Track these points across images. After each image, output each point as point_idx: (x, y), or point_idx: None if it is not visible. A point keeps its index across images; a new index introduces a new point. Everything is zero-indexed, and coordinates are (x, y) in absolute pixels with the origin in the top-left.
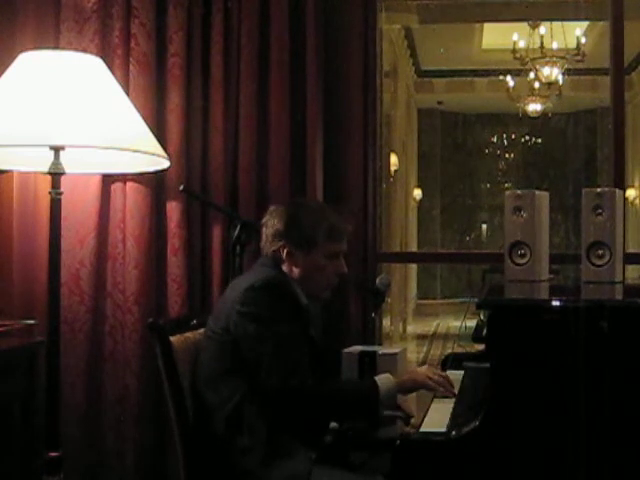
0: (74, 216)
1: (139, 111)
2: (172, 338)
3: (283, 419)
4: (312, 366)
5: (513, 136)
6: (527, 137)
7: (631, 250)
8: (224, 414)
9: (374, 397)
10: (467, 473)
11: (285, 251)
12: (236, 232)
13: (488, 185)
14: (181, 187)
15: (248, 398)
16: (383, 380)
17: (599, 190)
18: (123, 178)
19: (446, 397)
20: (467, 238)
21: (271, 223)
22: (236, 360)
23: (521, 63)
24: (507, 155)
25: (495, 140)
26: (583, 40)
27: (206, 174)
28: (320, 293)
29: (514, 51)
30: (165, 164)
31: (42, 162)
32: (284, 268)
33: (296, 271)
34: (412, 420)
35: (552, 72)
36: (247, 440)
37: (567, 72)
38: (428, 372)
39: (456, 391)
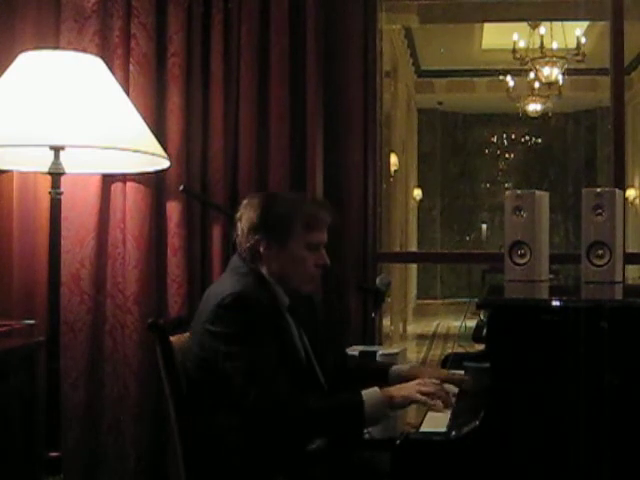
0: (74, 216)
1: (139, 111)
2: (172, 338)
3: (262, 437)
4: (298, 375)
5: (513, 136)
6: (527, 137)
7: (631, 250)
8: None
9: (358, 415)
10: (467, 473)
11: (262, 245)
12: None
13: (488, 185)
14: (181, 187)
15: (223, 414)
16: (370, 395)
17: (599, 190)
18: (123, 178)
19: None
20: (467, 238)
21: (246, 216)
22: (209, 377)
23: (521, 63)
24: (507, 155)
25: (495, 140)
26: (583, 40)
27: (206, 174)
28: (302, 287)
29: (514, 51)
30: (165, 164)
31: (42, 162)
32: (262, 265)
33: (275, 266)
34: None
35: (552, 72)
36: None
37: (567, 72)
38: (418, 386)
39: (454, 394)
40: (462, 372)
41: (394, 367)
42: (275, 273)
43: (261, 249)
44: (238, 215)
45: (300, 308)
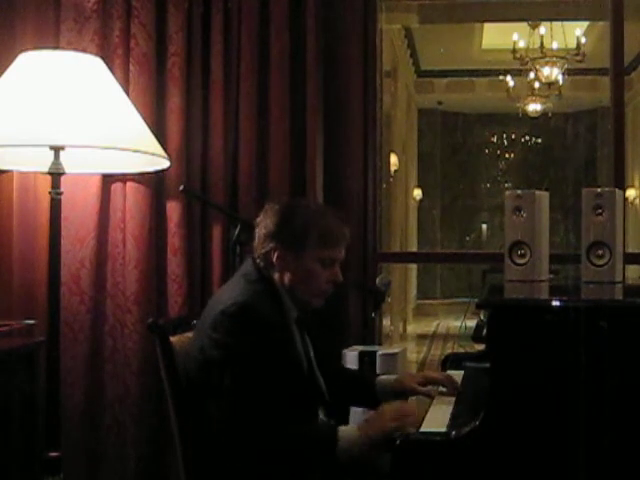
0: (74, 216)
1: (139, 111)
2: (172, 338)
3: (236, 453)
4: (298, 387)
5: (513, 136)
6: (527, 137)
7: (631, 250)
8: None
9: (330, 449)
10: (467, 473)
11: (276, 254)
12: (236, 232)
13: (488, 185)
14: (181, 187)
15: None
16: (347, 432)
17: (599, 190)
18: (123, 178)
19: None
20: (467, 238)
21: (264, 223)
22: (207, 380)
23: (521, 63)
24: (507, 155)
25: (495, 140)
26: (583, 40)
27: (206, 174)
28: (310, 301)
29: (514, 51)
30: (165, 164)
31: (42, 162)
32: (274, 273)
33: (286, 276)
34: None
35: (552, 72)
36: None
37: (567, 72)
38: (389, 414)
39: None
40: (461, 372)
41: (379, 378)
42: (286, 283)
43: (274, 258)
44: (258, 220)
45: (308, 318)
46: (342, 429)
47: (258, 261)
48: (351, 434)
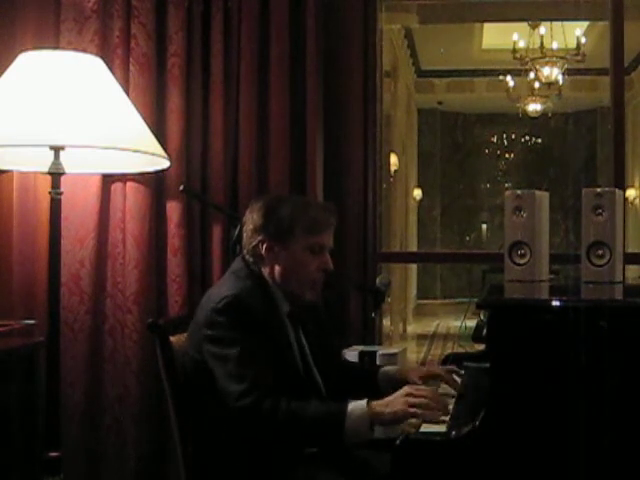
0: (74, 216)
1: (139, 111)
2: (172, 338)
3: (242, 440)
4: (293, 380)
5: (513, 136)
6: (527, 137)
7: (631, 250)
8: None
9: (337, 426)
10: (467, 473)
11: (264, 246)
12: (236, 232)
13: (488, 185)
14: (181, 187)
15: (222, 415)
16: (356, 408)
17: (599, 190)
18: (123, 178)
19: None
20: (467, 238)
21: (250, 218)
22: (207, 379)
23: (521, 63)
24: (507, 155)
25: (495, 140)
26: (583, 40)
27: (206, 174)
28: (303, 293)
29: (514, 51)
30: (165, 164)
31: (42, 162)
32: (264, 268)
33: (277, 269)
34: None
35: (552, 72)
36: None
37: (567, 72)
38: (407, 397)
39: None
40: (458, 368)
41: (382, 369)
42: (276, 276)
43: (263, 251)
44: (244, 218)
45: (303, 315)
46: (351, 405)
47: (247, 257)
48: (360, 412)
